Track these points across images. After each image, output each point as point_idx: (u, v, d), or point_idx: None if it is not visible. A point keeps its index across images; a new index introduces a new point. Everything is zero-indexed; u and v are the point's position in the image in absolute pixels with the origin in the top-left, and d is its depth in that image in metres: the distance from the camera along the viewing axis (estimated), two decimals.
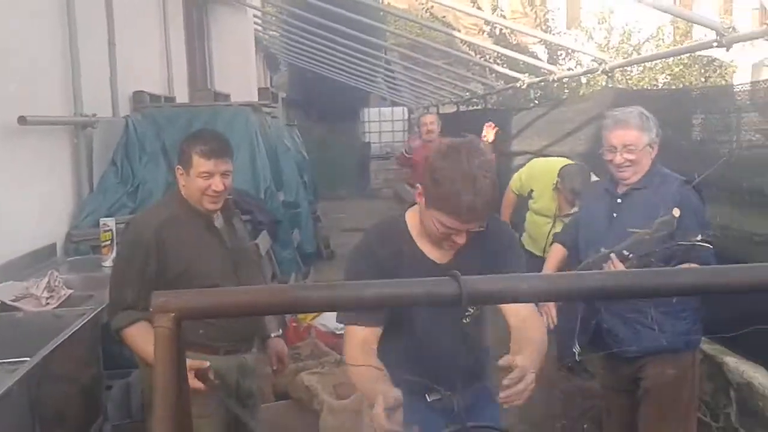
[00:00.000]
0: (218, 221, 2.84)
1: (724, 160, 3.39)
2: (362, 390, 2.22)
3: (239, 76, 10.83)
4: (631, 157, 2.93)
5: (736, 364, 3.70)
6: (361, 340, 2.17)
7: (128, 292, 2.64)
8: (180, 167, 2.76)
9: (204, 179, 2.69)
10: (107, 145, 5.06)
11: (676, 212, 2.69)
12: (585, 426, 4.05)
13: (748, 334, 3.67)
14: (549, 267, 3.43)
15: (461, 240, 2.12)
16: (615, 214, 3.01)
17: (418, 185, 2.16)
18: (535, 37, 10.67)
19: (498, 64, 11.01)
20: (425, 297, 1.39)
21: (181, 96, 7.63)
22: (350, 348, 2.19)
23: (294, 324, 5.08)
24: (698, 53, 10.97)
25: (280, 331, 3.12)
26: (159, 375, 1.25)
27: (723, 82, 11.15)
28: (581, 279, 1.56)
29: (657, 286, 1.45)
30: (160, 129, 5.39)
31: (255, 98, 8.77)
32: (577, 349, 3.17)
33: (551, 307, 3.22)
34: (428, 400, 2.28)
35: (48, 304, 3.13)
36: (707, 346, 3.86)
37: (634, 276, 1.63)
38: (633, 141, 2.92)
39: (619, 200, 3.02)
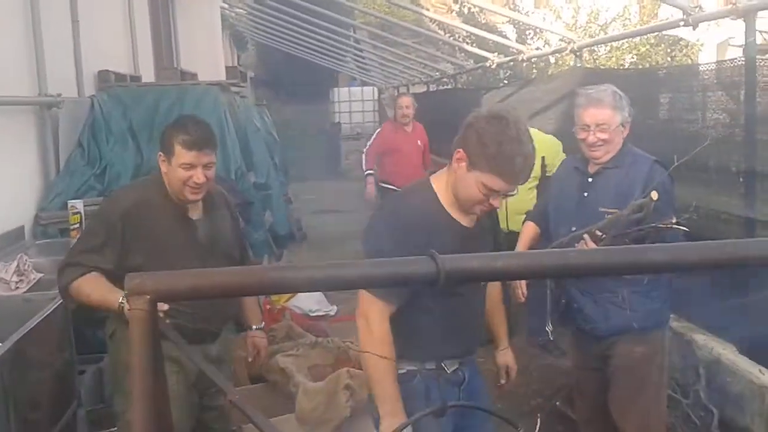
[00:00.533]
0: (196, 213, 2.78)
1: (708, 143, 3.41)
2: (371, 377, 2.29)
3: (206, 54, 10.69)
4: (604, 136, 2.93)
5: (704, 341, 3.77)
6: (379, 311, 2.22)
7: (83, 257, 2.60)
8: (162, 154, 2.70)
9: (185, 170, 2.63)
10: (73, 126, 4.96)
11: (654, 195, 2.70)
12: (557, 403, 4.11)
13: (716, 313, 3.77)
14: (521, 245, 3.45)
15: (497, 203, 2.24)
16: (586, 193, 3.02)
17: (459, 149, 2.21)
18: (504, 16, 10.68)
19: (467, 43, 11.01)
20: (404, 276, 1.40)
21: (147, 75, 7.50)
22: (370, 317, 2.22)
23: (268, 306, 5.07)
24: (664, 33, 11.08)
25: (263, 324, 3.09)
26: (136, 357, 1.24)
27: (689, 62, 11.29)
28: (556, 256, 1.58)
29: (629, 263, 1.47)
30: (126, 109, 5.30)
31: (222, 77, 8.68)
32: (549, 327, 3.21)
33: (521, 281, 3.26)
34: (448, 372, 2.37)
35: (18, 288, 3.08)
36: (676, 324, 3.93)
37: (606, 253, 1.65)
38: (606, 120, 2.92)
39: (590, 179, 3.03)
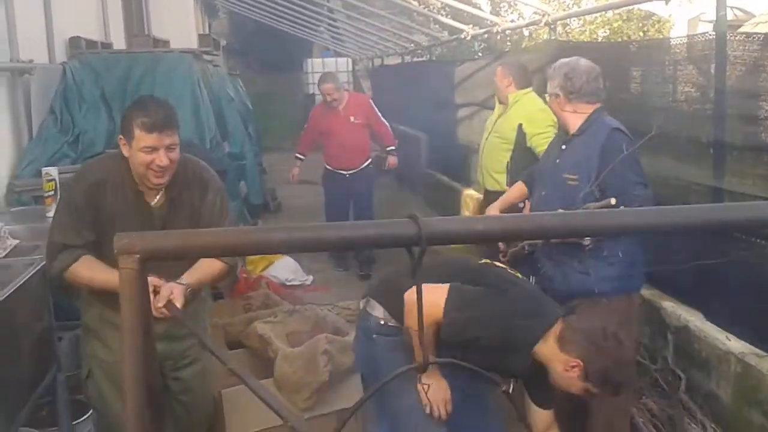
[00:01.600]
0: (156, 198, 2.70)
1: (664, 122, 3.52)
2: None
3: (177, 22, 10.55)
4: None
5: (673, 308, 3.88)
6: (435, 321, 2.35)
7: (67, 235, 2.59)
8: (122, 137, 2.61)
9: (147, 153, 2.53)
10: (45, 93, 4.90)
11: (613, 201, 2.80)
12: None
13: (685, 281, 3.87)
14: (505, 198, 3.61)
15: None
16: (558, 160, 3.13)
17: (577, 361, 2.32)
18: None
19: (442, 15, 10.99)
20: (386, 238, 1.44)
21: (118, 42, 7.40)
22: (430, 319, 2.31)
23: (244, 275, 5.10)
24: (636, 8, 11.16)
25: (190, 286, 2.59)
26: (126, 317, 1.26)
27: (660, 37, 11.40)
28: (532, 220, 1.63)
29: (602, 225, 1.52)
30: (98, 76, 5.24)
31: (195, 45, 8.58)
32: None
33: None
34: None
35: None
36: (646, 292, 4.02)
37: (580, 216, 1.71)
38: (548, 89, 3.20)
39: (563, 146, 3.15)
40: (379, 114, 6.84)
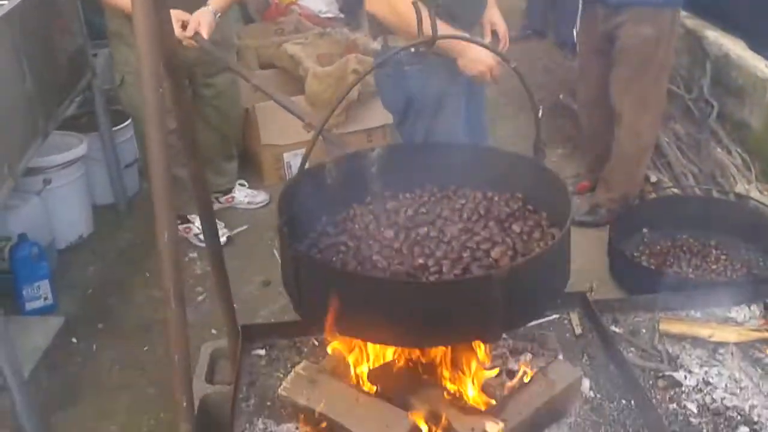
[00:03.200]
0: None
1: None
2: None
3: None
4: None
5: (715, 37, 3.73)
6: None
7: None
8: None
9: None
10: None
11: None
12: (560, 96, 4.18)
13: (731, 9, 3.68)
14: None
15: None
16: None
17: None
18: None
19: None
20: None
21: None
22: None
23: (276, 1, 4.96)
24: None
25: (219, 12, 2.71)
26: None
27: None
28: None
29: None
30: None
31: None
32: (577, 26, 3.19)
33: None
34: None
35: None
36: (689, 21, 3.86)
37: None
38: None
39: None
40: None
